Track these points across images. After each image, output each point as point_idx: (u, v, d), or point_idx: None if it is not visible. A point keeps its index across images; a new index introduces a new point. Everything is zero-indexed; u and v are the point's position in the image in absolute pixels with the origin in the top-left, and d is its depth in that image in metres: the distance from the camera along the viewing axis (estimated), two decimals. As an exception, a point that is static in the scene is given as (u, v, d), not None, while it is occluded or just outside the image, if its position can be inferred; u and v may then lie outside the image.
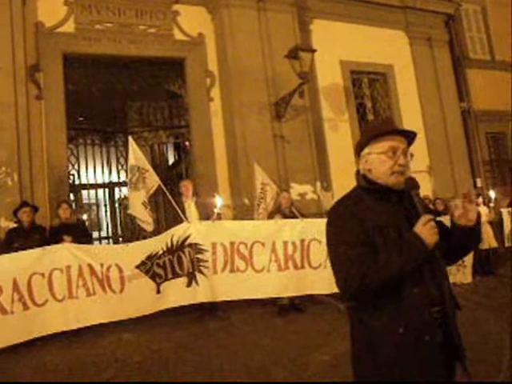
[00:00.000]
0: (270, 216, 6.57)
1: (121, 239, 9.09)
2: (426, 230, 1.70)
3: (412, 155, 1.98)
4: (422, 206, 1.81)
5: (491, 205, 9.14)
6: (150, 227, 6.17)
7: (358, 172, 1.98)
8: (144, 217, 6.06)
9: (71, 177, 8.24)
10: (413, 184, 1.84)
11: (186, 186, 6.55)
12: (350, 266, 1.70)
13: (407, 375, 1.70)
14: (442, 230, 1.82)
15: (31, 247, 5.29)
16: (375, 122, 1.95)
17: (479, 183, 11.19)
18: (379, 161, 1.86)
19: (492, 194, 9.27)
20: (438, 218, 1.83)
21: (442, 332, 1.75)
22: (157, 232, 6.63)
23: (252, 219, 7.05)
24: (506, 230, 8.80)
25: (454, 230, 1.86)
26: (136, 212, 6.12)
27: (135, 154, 6.02)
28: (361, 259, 1.69)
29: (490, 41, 12.62)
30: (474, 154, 11.48)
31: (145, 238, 6.19)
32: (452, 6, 11.47)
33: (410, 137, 1.92)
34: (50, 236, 5.93)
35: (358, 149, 1.97)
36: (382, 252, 1.71)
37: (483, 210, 8.40)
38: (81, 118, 8.81)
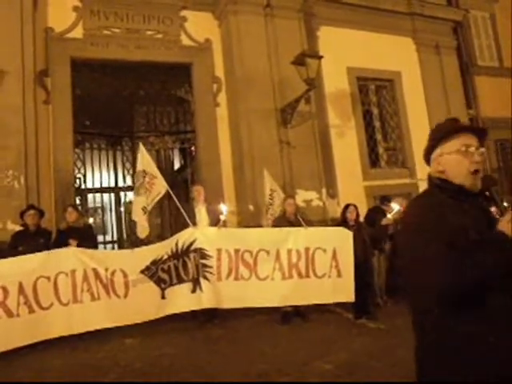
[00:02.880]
0: (275, 223, 6.55)
1: (126, 244, 9.10)
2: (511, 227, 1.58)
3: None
4: (503, 204, 1.73)
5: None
6: (144, 233, 6.13)
7: (429, 176, 1.89)
8: (141, 221, 6.04)
9: (77, 181, 8.29)
10: (491, 180, 1.79)
11: (199, 191, 6.55)
12: (444, 266, 1.58)
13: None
14: None
15: (36, 251, 5.31)
16: (442, 123, 1.86)
17: (487, 193, 11.09)
18: (453, 161, 1.79)
19: (504, 202, 9.17)
20: None
21: None
22: (161, 237, 6.65)
23: (258, 226, 7.05)
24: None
25: None
26: (135, 216, 6.13)
27: (144, 159, 6.04)
28: (454, 259, 1.57)
29: (499, 47, 12.55)
30: (481, 162, 11.40)
31: (150, 242, 6.19)
32: (460, 13, 11.43)
33: (480, 136, 1.84)
34: (56, 239, 5.95)
35: (428, 152, 1.90)
36: (468, 251, 1.58)
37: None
38: (87, 123, 8.85)
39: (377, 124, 10.24)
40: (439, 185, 1.83)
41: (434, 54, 10.98)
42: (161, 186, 5.94)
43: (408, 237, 1.78)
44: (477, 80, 11.86)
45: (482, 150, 1.81)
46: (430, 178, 1.89)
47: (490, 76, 12.11)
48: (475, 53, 12.17)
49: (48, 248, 5.51)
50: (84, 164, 8.47)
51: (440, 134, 1.85)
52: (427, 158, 1.92)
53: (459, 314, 1.62)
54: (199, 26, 8.66)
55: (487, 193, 1.80)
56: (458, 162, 1.78)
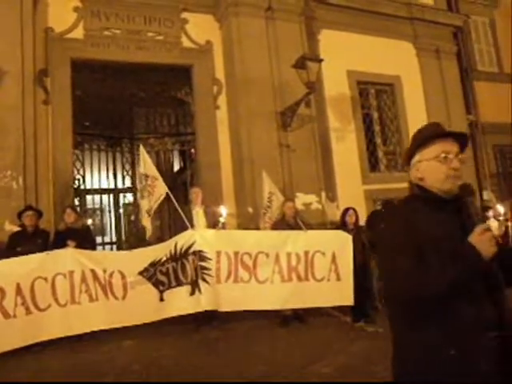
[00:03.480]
0: (275, 226, 6.53)
1: (125, 245, 9.07)
2: (482, 240, 1.56)
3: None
4: (479, 215, 1.67)
5: (501, 218, 9.03)
6: (148, 233, 6.18)
7: (410, 182, 1.87)
8: (147, 224, 6.10)
9: (76, 182, 8.26)
10: (467, 190, 1.73)
11: (197, 193, 6.56)
12: (403, 275, 1.60)
13: None
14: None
15: (34, 251, 5.30)
16: (423, 128, 1.82)
17: (486, 196, 11.10)
18: (431, 167, 1.76)
19: (501, 207, 9.16)
20: None
21: (500, 360, 1.57)
22: (161, 239, 6.64)
23: (258, 228, 7.03)
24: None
25: None
26: (142, 220, 6.20)
27: (145, 162, 6.06)
28: (414, 269, 1.58)
29: (499, 53, 12.59)
30: (480, 167, 11.43)
31: (149, 244, 6.18)
32: (460, 18, 11.46)
33: (461, 140, 1.81)
34: (55, 240, 5.93)
35: (407, 157, 1.88)
36: (435, 262, 1.58)
37: (494, 224, 8.31)
38: (87, 124, 8.83)
39: (377, 128, 10.24)
40: (417, 193, 1.82)
41: (434, 59, 11.00)
42: (162, 188, 5.95)
43: (380, 247, 1.80)
44: (476, 85, 11.88)
45: (462, 156, 1.77)
46: (410, 185, 1.87)
47: (490, 81, 12.14)
48: (475, 58, 12.20)
49: (46, 249, 5.49)
50: (83, 165, 8.45)
51: (418, 141, 1.82)
52: (408, 164, 1.88)
53: (422, 326, 1.62)
54: (200, 28, 8.66)
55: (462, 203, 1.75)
56: (436, 168, 1.75)
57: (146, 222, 6.13)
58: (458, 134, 1.83)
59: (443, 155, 1.74)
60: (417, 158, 1.82)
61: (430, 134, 1.81)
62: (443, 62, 11.09)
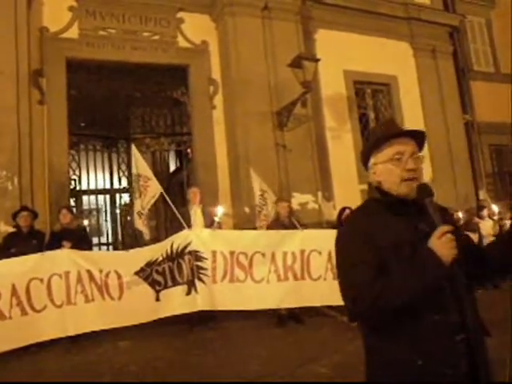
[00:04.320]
0: (270, 226, 6.52)
1: (121, 246, 9.04)
2: (441, 243, 1.48)
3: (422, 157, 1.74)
4: (439, 216, 1.57)
5: (495, 218, 9.05)
6: (146, 236, 6.14)
7: (369, 185, 1.81)
8: (139, 226, 6.03)
9: (72, 182, 8.23)
10: (426, 191, 1.62)
11: (195, 193, 6.55)
12: (360, 288, 1.53)
13: None
14: (468, 243, 1.65)
15: (29, 252, 5.26)
16: (376, 128, 1.73)
17: (482, 196, 11.13)
18: (387, 170, 1.67)
19: (495, 207, 9.18)
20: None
21: (468, 362, 1.54)
22: (157, 239, 6.61)
23: (254, 228, 7.01)
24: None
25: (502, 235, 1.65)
26: (135, 221, 6.15)
27: (137, 162, 6.02)
28: (372, 280, 1.51)
29: (495, 53, 12.64)
30: (476, 167, 11.45)
31: (145, 244, 6.15)
32: (456, 18, 11.49)
33: (418, 138, 1.73)
34: (50, 241, 5.90)
35: (364, 161, 1.80)
36: (394, 272, 1.52)
37: (488, 223, 8.33)
38: (83, 124, 8.80)
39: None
40: (376, 197, 1.74)
41: (431, 59, 11.02)
42: (155, 188, 5.91)
43: (336, 254, 1.73)
44: (473, 85, 11.93)
45: (418, 155, 1.70)
46: (369, 188, 1.81)
47: (486, 81, 12.18)
48: (471, 58, 12.25)
49: (41, 250, 5.46)
50: (79, 165, 8.42)
51: (371, 143, 1.75)
52: (365, 165, 1.80)
53: (388, 335, 1.58)
54: (196, 27, 8.65)
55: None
56: (391, 171, 1.66)
57: (141, 225, 6.05)
58: (411, 131, 1.74)
59: (397, 156, 1.66)
60: (372, 160, 1.74)
61: (382, 135, 1.71)
62: (440, 62, 11.12)
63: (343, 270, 1.66)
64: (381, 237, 1.59)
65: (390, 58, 10.22)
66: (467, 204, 9.87)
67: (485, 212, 8.72)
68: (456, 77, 11.43)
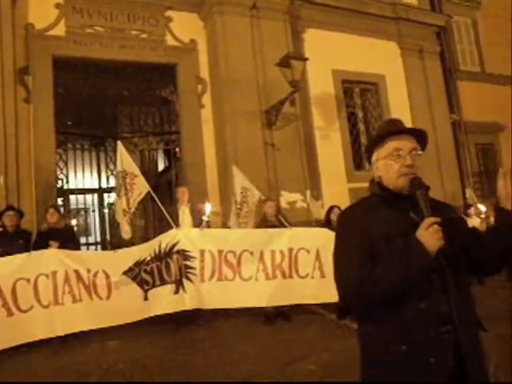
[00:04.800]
0: (257, 226, 6.52)
1: (109, 245, 9.00)
2: (428, 234, 1.54)
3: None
4: (429, 209, 1.64)
5: (482, 216, 9.15)
6: (127, 235, 6.03)
7: (371, 180, 1.90)
8: (123, 224, 5.95)
9: (59, 181, 8.17)
10: (418, 184, 1.70)
11: (183, 192, 6.53)
12: (348, 274, 1.62)
13: None
14: (461, 233, 1.70)
15: (15, 252, 5.21)
16: (379, 126, 1.82)
17: (468, 194, 11.24)
18: (386, 166, 1.77)
19: (482, 205, 9.28)
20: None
21: (454, 355, 1.58)
22: (145, 239, 6.57)
23: (227, 226, 6.97)
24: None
25: (496, 226, 1.71)
26: (119, 218, 6.06)
27: (123, 159, 5.94)
28: (360, 268, 1.59)
29: (481, 53, 12.77)
30: (463, 165, 11.57)
31: (133, 244, 6.11)
32: (443, 18, 11.60)
33: (420, 137, 1.82)
34: (37, 241, 5.85)
35: (368, 156, 1.91)
36: (382, 262, 1.59)
37: (476, 221, 8.41)
38: (70, 123, 8.74)
39: (361, 127, 10.32)
40: (375, 191, 1.83)
41: (418, 59, 11.11)
42: (142, 186, 5.83)
43: (334, 244, 1.79)
44: (459, 85, 12.05)
45: (417, 152, 1.77)
46: (371, 183, 1.89)
47: (472, 81, 12.32)
48: (458, 58, 12.37)
49: (27, 249, 5.40)
50: (67, 164, 8.36)
51: (374, 140, 1.84)
52: (369, 161, 1.92)
53: (376, 321, 1.64)
54: (184, 26, 8.62)
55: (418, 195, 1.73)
56: (390, 166, 1.75)
57: (124, 223, 5.96)
58: (412, 130, 1.83)
59: (396, 152, 1.74)
60: (374, 156, 1.84)
61: (382, 133, 1.82)
62: (427, 62, 11.22)
63: (336, 255, 1.75)
64: (374, 228, 1.67)
65: (378, 57, 10.28)
66: (454, 202, 9.96)
67: (472, 210, 8.81)
68: (443, 76, 11.54)
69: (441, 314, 1.59)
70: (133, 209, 5.89)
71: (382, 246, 1.63)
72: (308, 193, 8.41)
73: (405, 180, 1.71)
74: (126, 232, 6.02)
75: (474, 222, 8.47)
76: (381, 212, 1.72)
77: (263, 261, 5.74)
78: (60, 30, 7.66)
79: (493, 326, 2.05)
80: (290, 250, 5.83)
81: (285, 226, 6.20)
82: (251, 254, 5.70)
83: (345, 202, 7.97)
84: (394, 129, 1.81)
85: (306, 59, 7.86)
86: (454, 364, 1.58)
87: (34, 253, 5.25)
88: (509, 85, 12.68)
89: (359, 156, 10.05)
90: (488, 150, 12.44)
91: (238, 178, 7.01)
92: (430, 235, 1.54)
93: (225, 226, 7.64)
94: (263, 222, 6.49)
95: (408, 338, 1.57)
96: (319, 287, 5.85)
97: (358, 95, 10.47)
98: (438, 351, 1.57)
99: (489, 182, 12.03)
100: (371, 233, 1.66)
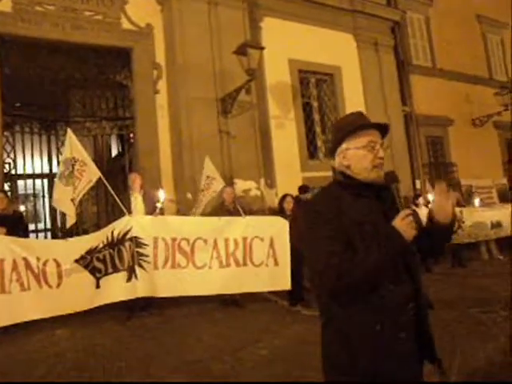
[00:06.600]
0: (214, 212, 6.54)
1: (60, 232, 8.77)
2: (404, 224, 1.68)
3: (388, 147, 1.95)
4: (402, 200, 1.80)
5: (430, 206, 9.48)
6: (71, 220, 5.84)
7: (333, 169, 1.95)
8: (71, 212, 5.74)
9: (6, 166, 7.87)
10: (393, 178, 1.85)
11: (135, 179, 6.45)
12: (326, 261, 1.65)
13: (384, 372, 1.69)
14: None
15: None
16: (349, 117, 1.87)
17: (418, 185, 11.66)
18: (359, 156, 1.84)
19: (431, 195, 9.64)
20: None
21: (415, 329, 1.77)
22: (97, 226, 6.45)
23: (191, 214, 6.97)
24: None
25: (428, 228, 1.85)
26: (64, 207, 5.83)
27: (73, 146, 5.74)
28: (338, 254, 1.65)
29: (432, 49, 13.18)
30: (414, 157, 11.95)
31: (85, 231, 5.97)
32: (398, 13, 11.87)
33: (383, 131, 1.92)
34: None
35: (334, 145, 1.93)
36: (359, 247, 1.68)
37: (424, 211, 8.73)
38: (18, 104, 8.40)
39: (316, 117, 10.46)
40: (341, 181, 1.90)
41: (373, 51, 11.34)
42: (92, 174, 5.64)
43: (303, 232, 1.85)
44: (412, 78, 12.41)
45: (383, 146, 1.88)
46: (334, 172, 1.95)
47: (424, 75, 12.72)
48: (411, 52, 12.71)
49: (-29, 236, 5.20)
50: (14, 148, 8.05)
51: (348, 129, 1.87)
52: (333, 150, 1.95)
53: (349, 305, 1.72)
54: (140, 10, 8.40)
55: (387, 190, 1.86)
56: (364, 156, 1.84)
57: (69, 210, 5.75)
58: (383, 125, 1.94)
59: (371, 144, 1.84)
60: (344, 146, 1.88)
61: (360, 124, 1.88)
62: (381, 55, 11.47)
63: (311, 245, 1.78)
64: (346, 215, 1.75)
65: (334, 48, 10.43)
66: (405, 193, 10.29)
67: (420, 200, 9.16)
68: (396, 70, 11.83)
69: (406, 293, 1.74)
70: (80, 196, 5.70)
71: (354, 232, 1.71)
72: (262, 181, 8.49)
73: (377, 172, 1.83)
74: (70, 220, 5.80)
75: (422, 211, 8.80)
76: (347, 200, 1.80)
77: (217, 249, 5.78)
78: (6, 6, 7.23)
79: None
80: (245, 238, 5.90)
81: (240, 214, 6.25)
82: (205, 241, 5.73)
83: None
84: (369, 122, 1.91)
85: (262, 48, 7.87)
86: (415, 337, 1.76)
87: (-21, 240, 5.07)
88: (459, 80, 13.21)
89: (313, 145, 10.22)
90: (438, 143, 12.91)
91: (207, 168, 6.97)
92: (406, 225, 1.68)
93: (179, 213, 7.61)
94: (221, 208, 6.52)
95: (381, 318, 1.69)
96: (273, 275, 5.97)
97: (313, 85, 10.59)
98: (407, 327, 1.73)
99: (438, 173, 12.50)
100: (343, 220, 1.73)
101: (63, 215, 6.58)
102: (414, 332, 1.75)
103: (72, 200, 5.54)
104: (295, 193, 7.48)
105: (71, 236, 6.00)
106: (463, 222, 9.40)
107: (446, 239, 1.94)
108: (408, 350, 1.73)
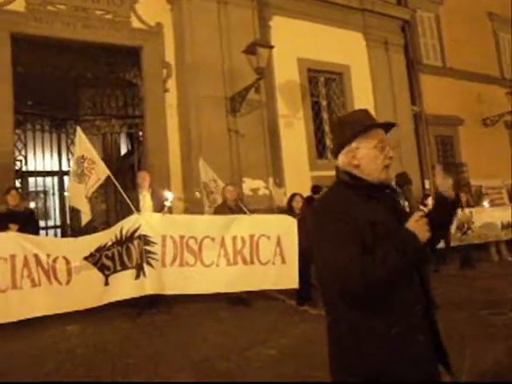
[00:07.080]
0: (217, 210, 6.56)
1: (69, 229, 8.84)
2: (418, 226, 1.66)
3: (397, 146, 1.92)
4: (414, 202, 1.79)
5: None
6: (86, 219, 5.93)
7: (337, 168, 1.87)
8: (84, 209, 5.84)
9: (18, 163, 7.95)
10: (406, 179, 1.84)
11: (144, 177, 6.49)
12: (347, 265, 1.59)
13: (394, 373, 1.66)
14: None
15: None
16: (356, 114, 1.80)
17: (427, 185, 11.60)
18: (371, 156, 1.79)
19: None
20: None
21: (430, 330, 1.74)
22: (107, 223, 6.50)
23: (202, 213, 7.01)
24: (453, 231, 9.07)
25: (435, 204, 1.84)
26: (80, 205, 5.93)
27: (82, 144, 5.82)
28: (358, 257, 1.59)
29: (442, 48, 13.09)
30: (423, 157, 11.89)
31: (95, 229, 6.03)
32: (408, 12, 11.81)
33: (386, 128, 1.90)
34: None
35: (341, 143, 1.85)
36: (375, 249, 1.62)
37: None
38: (30, 103, 8.47)
39: (325, 116, 10.44)
40: (347, 182, 1.82)
41: (383, 50, 11.29)
42: (100, 172, 5.73)
43: (317, 235, 1.79)
44: (422, 78, 12.33)
45: (393, 145, 1.88)
46: (339, 172, 1.87)
47: (434, 75, 12.63)
48: (421, 52, 12.64)
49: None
50: (25, 146, 8.12)
51: (358, 128, 1.81)
52: (341, 148, 1.86)
53: (362, 308, 1.67)
54: (150, 8, 8.46)
55: (400, 190, 1.86)
56: (375, 157, 1.79)
57: (84, 207, 5.84)
58: (392, 124, 1.92)
59: (381, 144, 1.80)
60: (354, 145, 1.80)
61: (371, 124, 1.84)
62: (391, 54, 11.41)
63: (326, 248, 1.71)
64: (358, 216, 1.68)
65: (343, 47, 10.40)
66: (414, 193, 10.24)
67: (429, 200, 9.10)
68: (406, 69, 11.78)
69: (419, 295, 1.73)
70: (89, 194, 5.78)
71: (367, 233, 1.66)
72: (271, 180, 8.50)
73: (387, 172, 1.80)
74: (85, 217, 5.92)
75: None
76: (360, 200, 1.75)
77: (224, 247, 5.80)
78: (19, 6, 7.35)
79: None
80: (252, 236, 5.90)
81: (244, 212, 6.25)
82: (212, 240, 5.75)
83: (307, 190, 8.13)
84: (380, 122, 1.88)
85: (271, 47, 7.88)
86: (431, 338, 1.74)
87: (-9, 235, 5.14)
88: (469, 80, 13.09)
89: (322, 145, 10.20)
90: (447, 142, 12.82)
91: (203, 171, 7.01)
92: (420, 227, 1.67)
93: (187, 211, 7.64)
94: (223, 207, 6.54)
95: (397, 322, 1.65)
96: (280, 273, 5.97)
97: (322, 84, 10.57)
98: (424, 329, 1.71)
99: (448, 173, 12.39)
100: (356, 220, 1.67)
101: (73, 212, 6.66)
102: (430, 334, 1.73)
103: (86, 197, 5.63)
104: (304, 192, 7.47)
105: (80, 233, 6.07)
106: (473, 223, 9.33)
107: (449, 214, 1.87)
108: (422, 351, 1.69)
